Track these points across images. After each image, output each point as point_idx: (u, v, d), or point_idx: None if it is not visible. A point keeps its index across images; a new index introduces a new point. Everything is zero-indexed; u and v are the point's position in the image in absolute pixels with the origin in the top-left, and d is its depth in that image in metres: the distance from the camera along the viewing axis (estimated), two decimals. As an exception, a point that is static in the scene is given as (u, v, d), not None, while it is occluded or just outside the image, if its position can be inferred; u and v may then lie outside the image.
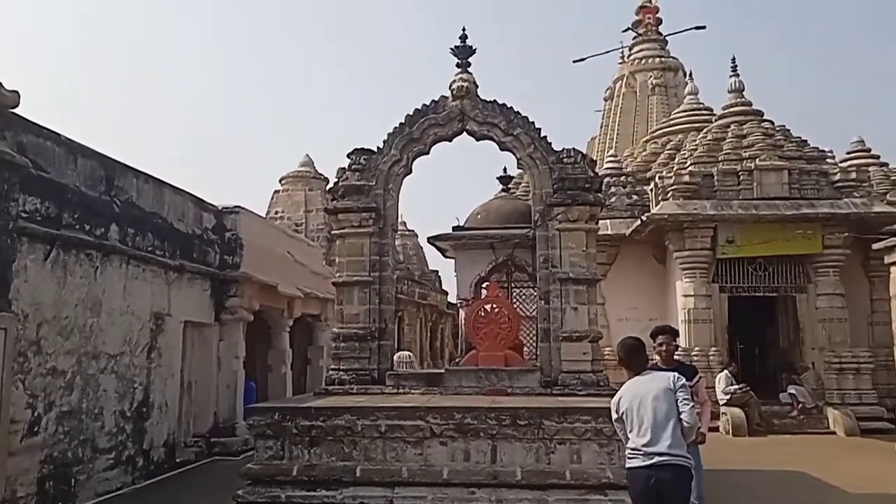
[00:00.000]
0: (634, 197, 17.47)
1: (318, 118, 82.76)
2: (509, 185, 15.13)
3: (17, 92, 6.83)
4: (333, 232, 9.86)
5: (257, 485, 7.13)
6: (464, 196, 70.14)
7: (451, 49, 9.56)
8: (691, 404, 4.50)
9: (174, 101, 74.02)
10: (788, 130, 16.44)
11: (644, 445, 4.25)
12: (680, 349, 12.57)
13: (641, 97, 25.75)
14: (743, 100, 17.14)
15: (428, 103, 9.28)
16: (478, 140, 9.28)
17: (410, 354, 16.01)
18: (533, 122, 8.99)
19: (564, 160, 8.78)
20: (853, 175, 15.33)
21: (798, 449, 11.88)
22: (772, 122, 16.62)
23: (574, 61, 29.82)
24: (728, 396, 13.90)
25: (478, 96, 9.25)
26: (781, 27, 71.47)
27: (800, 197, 14.75)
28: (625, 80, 26.42)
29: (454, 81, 9.28)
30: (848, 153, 18.89)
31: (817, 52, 69.07)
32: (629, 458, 4.38)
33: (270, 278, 12.50)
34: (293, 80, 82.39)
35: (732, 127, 16.50)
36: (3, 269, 6.83)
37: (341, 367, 8.82)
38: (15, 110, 7.02)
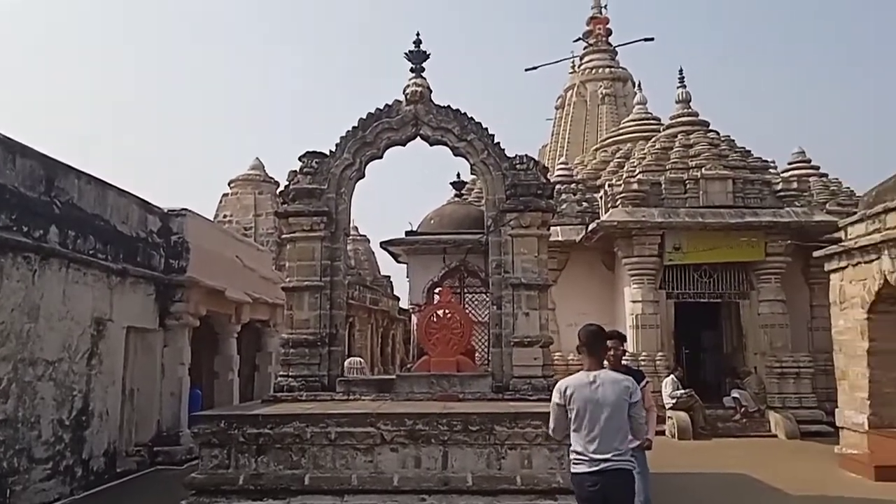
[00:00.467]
0: (584, 204, 17.70)
1: (269, 121, 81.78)
2: (462, 191, 15.18)
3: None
4: (284, 236, 9.72)
5: (202, 495, 6.94)
6: (417, 201, 70.18)
7: (406, 54, 9.54)
8: (643, 421, 4.56)
9: (118, 102, 72.21)
10: (733, 141, 16.89)
11: (592, 452, 4.22)
12: (627, 354, 12.75)
13: (591, 106, 26.17)
14: (689, 110, 17.56)
15: (382, 107, 9.24)
16: (431, 145, 9.27)
17: (361, 360, 15.90)
18: (486, 129, 9.04)
19: (517, 166, 8.84)
20: (794, 185, 15.82)
21: (741, 452, 12.15)
22: (717, 133, 17.06)
23: (526, 70, 30.10)
24: (674, 401, 14.15)
25: (432, 101, 9.25)
26: (726, 41, 73.64)
27: (743, 206, 15.15)
28: (575, 89, 26.82)
29: (408, 86, 9.27)
30: (789, 164, 19.52)
31: (760, 66, 71.39)
32: (575, 462, 4.30)
33: (218, 283, 12.23)
34: (243, 82, 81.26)
35: (679, 137, 16.87)
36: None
37: (290, 374, 8.68)
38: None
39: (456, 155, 9.20)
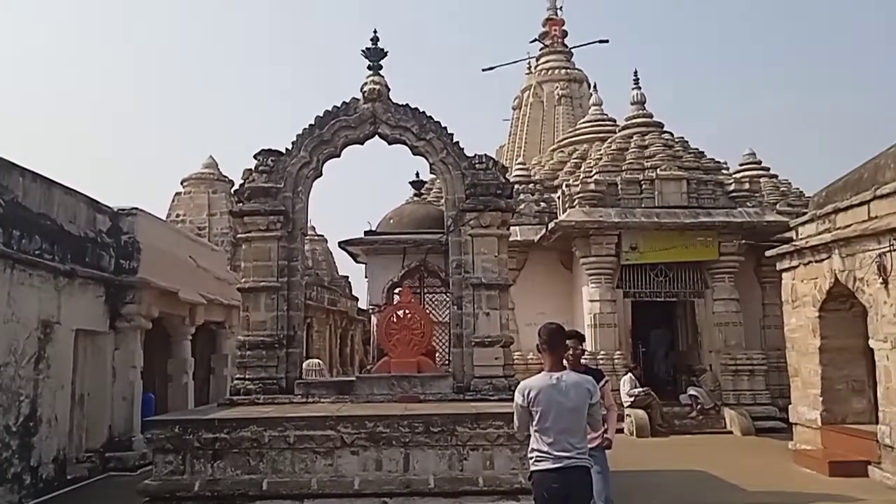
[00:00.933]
0: (542, 204, 17.78)
1: (223, 118, 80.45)
2: (421, 190, 15.11)
3: None
4: (239, 236, 9.52)
5: (156, 502, 6.77)
6: (375, 200, 69.83)
7: (363, 51, 9.44)
8: (600, 417, 4.70)
9: (63, 96, 70.24)
10: (687, 142, 17.16)
11: (556, 450, 4.26)
12: (586, 353, 12.83)
13: (548, 107, 26.35)
14: (644, 112, 17.78)
15: (339, 105, 9.12)
16: (390, 144, 9.19)
17: (320, 362, 15.71)
18: (445, 128, 8.98)
19: (476, 166, 8.81)
20: (746, 186, 16.14)
21: (698, 449, 12.34)
22: (671, 134, 17.31)
23: (483, 70, 30.16)
24: (632, 399, 14.30)
25: (390, 100, 9.17)
26: (679, 43, 75.08)
27: (698, 206, 15.40)
28: (532, 90, 26.97)
29: (366, 84, 9.16)
30: (741, 165, 19.92)
31: (711, 67, 72.93)
32: (536, 460, 4.36)
33: (171, 284, 11.93)
34: (196, 78, 79.78)
35: (635, 138, 17.07)
36: None
37: (247, 377, 8.51)
38: None
39: (415, 154, 9.13)
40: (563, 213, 15.68)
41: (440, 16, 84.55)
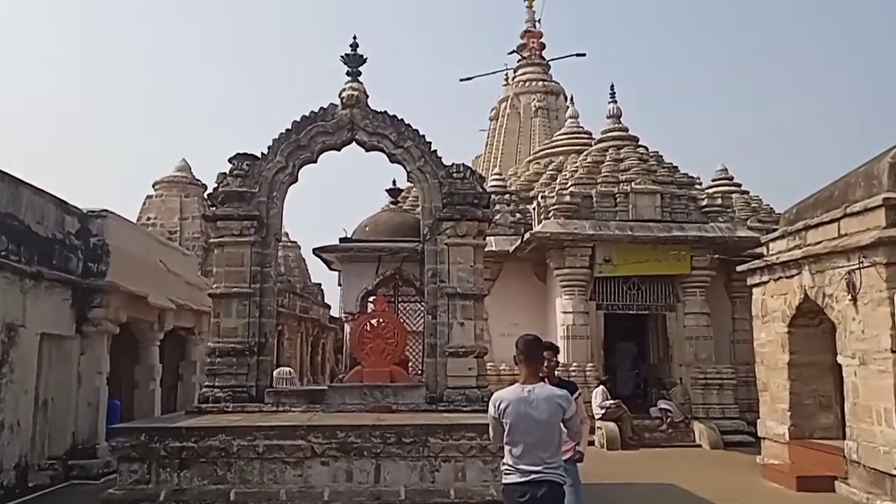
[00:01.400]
0: (518, 215, 17.82)
1: (197, 121, 79.63)
2: (398, 198, 15.06)
3: None
4: (212, 240, 9.40)
5: (119, 512, 6.59)
6: (351, 208, 69.45)
7: (342, 57, 9.40)
8: (577, 429, 4.70)
9: (35, 96, 69.03)
10: (661, 156, 17.34)
11: (524, 464, 4.24)
12: (559, 365, 12.84)
13: (525, 119, 26.49)
14: (620, 125, 17.93)
15: (317, 110, 9.07)
16: (367, 151, 9.15)
17: (291, 370, 15.54)
18: (423, 136, 8.97)
19: (454, 175, 8.80)
20: (719, 201, 16.35)
21: (668, 462, 12.40)
22: (646, 148, 17.48)
23: (461, 80, 30.21)
24: (603, 411, 14.34)
25: (368, 106, 9.14)
26: (655, 58, 76.02)
27: (671, 220, 15.54)
28: (509, 101, 27.10)
29: (344, 90, 9.12)
30: (713, 180, 20.14)
31: (686, 84, 73.94)
32: (506, 473, 4.35)
33: (140, 288, 11.72)
34: (169, 79, 78.92)
35: (610, 151, 17.21)
36: None
37: (216, 384, 8.37)
38: None
39: (392, 161, 9.10)
40: (539, 224, 15.73)
41: (418, 25, 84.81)
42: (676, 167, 17.18)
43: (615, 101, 18.08)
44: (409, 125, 9.04)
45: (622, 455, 13.36)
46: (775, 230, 12.00)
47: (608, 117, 18.12)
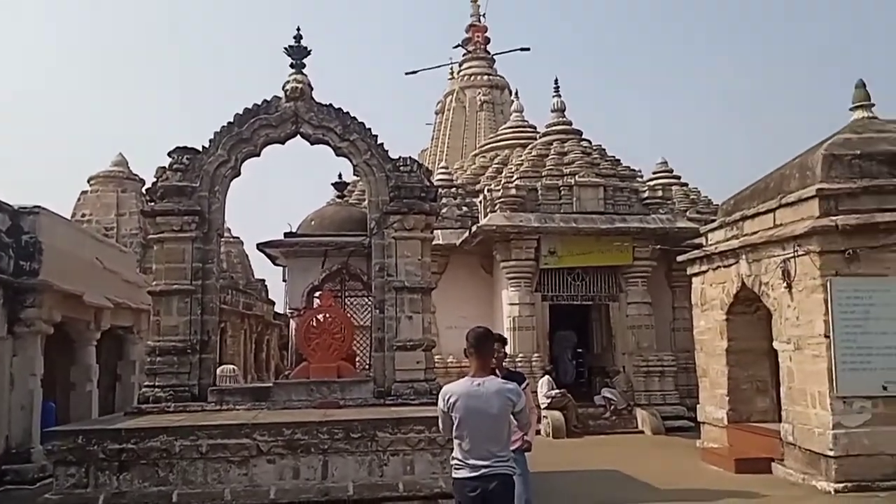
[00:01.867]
0: (464, 208, 17.87)
1: (134, 115, 77.28)
2: (344, 192, 14.92)
3: None
4: (151, 236, 9.15)
5: (56, 518, 6.36)
6: (296, 202, 68.53)
7: (285, 49, 9.24)
8: (527, 421, 4.72)
9: (-39, 88, 65.87)
10: (604, 150, 17.62)
11: (474, 458, 4.22)
12: (507, 356, 12.95)
13: (470, 112, 26.55)
14: (564, 119, 18.14)
15: (260, 103, 8.90)
16: (312, 144, 9.03)
17: (234, 368, 15.27)
18: (370, 129, 8.90)
19: (401, 168, 8.76)
20: (659, 193, 16.71)
21: (612, 448, 12.64)
22: (589, 142, 17.74)
23: (406, 73, 30.11)
24: (549, 400, 14.53)
25: (313, 99, 9.02)
26: (598, 54, 77.18)
27: (613, 212, 15.81)
28: (455, 95, 27.11)
29: (288, 82, 8.98)
30: (653, 173, 20.60)
31: (627, 78, 75.27)
32: (456, 468, 4.32)
33: (75, 286, 11.32)
34: (106, 73, 76.33)
35: (555, 144, 17.40)
36: None
37: (157, 384, 8.17)
38: None
39: (338, 155, 9.00)
40: (485, 217, 15.81)
41: (362, 19, 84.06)
42: (619, 160, 17.49)
43: (559, 96, 18.29)
44: (354, 118, 8.96)
45: (568, 443, 13.57)
46: (714, 221, 12.34)
47: (552, 111, 18.31)
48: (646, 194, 16.41)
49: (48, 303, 10.80)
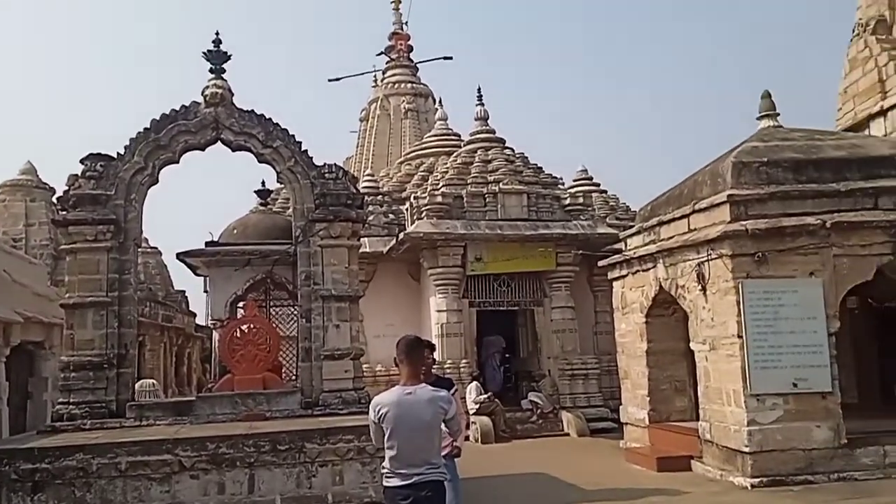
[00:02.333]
0: (391, 216, 17.86)
1: (44, 121, 73.73)
2: (267, 200, 14.65)
3: None
4: (63, 247, 8.77)
5: (-39, 546, 6.01)
6: (217, 210, 66.65)
7: (204, 53, 9.04)
8: (458, 428, 4.72)
9: None
10: (527, 158, 17.96)
11: (406, 466, 4.23)
12: (435, 363, 12.98)
13: (395, 120, 26.57)
14: (487, 127, 18.37)
15: (178, 108, 8.66)
16: (234, 151, 8.86)
17: (154, 383, 14.76)
18: (293, 136, 8.80)
19: (326, 175, 8.70)
20: (580, 200, 17.13)
21: (539, 452, 12.83)
22: (512, 150, 18.03)
23: (329, 80, 29.83)
24: (477, 406, 14.64)
25: (234, 104, 8.86)
26: (519, 64, 78.52)
27: (537, 219, 16.11)
28: (379, 102, 27.08)
29: (207, 87, 8.79)
30: (574, 180, 21.09)
31: (548, 87, 76.87)
32: (387, 476, 4.30)
33: (-20, 301, 10.74)
34: (11, 76, 72.53)
35: (479, 153, 17.61)
36: None
37: (72, 400, 7.83)
38: None
39: (261, 162, 8.86)
40: (412, 224, 15.84)
41: (284, 26, 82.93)
42: (541, 168, 17.85)
43: (482, 104, 18.50)
44: (277, 124, 8.84)
45: (496, 448, 13.69)
46: (632, 227, 12.74)
47: (476, 119, 18.51)
48: (567, 201, 16.79)
49: (-50, 319, 10.21)
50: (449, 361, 15.03)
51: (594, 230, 16.11)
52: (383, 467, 4.36)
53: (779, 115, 11.07)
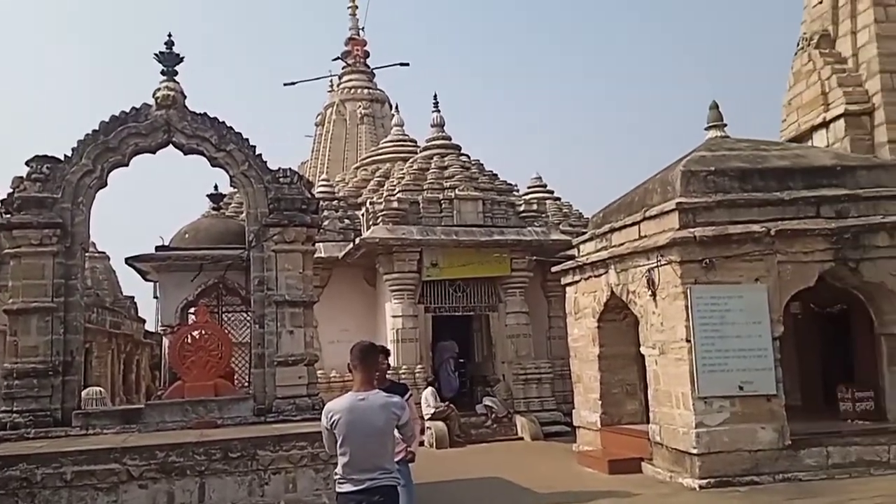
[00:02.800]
0: (347, 221, 17.78)
1: (-16, 121, 71.24)
2: (220, 204, 14.45)
3: None
4: (6, 251, 8.52)
5: None
6: (168, 214, 65.36)
7: (156, 55, 8.91)
8: (411, 434, 4.77)
9: None
10: (482, 164, 18.11)
11: (358, 472, 4.23)
12: (390, 368, 12.96)
13: (351, 125, 26.47)
14: (443, 134, 18.48)
15: (128, 110, 8.51)
16: (186, 154, 8.74)
17: (101, 390, 14.42)
18: (247, 139, 8.72)
19: (280, 180, 8.64)
20: (534, 207, 17.34)
21: (493, 456, 12.92)
22: (468, 156, 18.17)
23: (285, 84, 29.54)
24: (432, 411, 14.66)
25: (186, 107, 8.73)
26: (473, 71, 78.99)
27: (492, 225, 16.25)
28: (335, 107, 26.95)
29: (159, 89, 8.66)
30: (528, 187, 21.32)
31: (502, 95, 77.46)
32: (340, 482, 4.29)
33: (-84, 307, 10.32)
34: (-50, 75, 69.94)
35: (435, 159, 17.69)
36: None
37: (15, 409, 7.63)
38: None
39: (213, 165, 8.76)
40: (367, 230, 15.80)
41: (238, 28, 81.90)
42: (496, 175, 18.01)
43: (438, 111, 18.59)
44: (230, 128, 8.74)
45: (451, 453, 13.73)
46: (585, 233, 12.94)
47: (432, 126, 18.60)
48: (522, 208, 16.98)
49: None
50: (404, 367, 15.03)
51: (548, 236, 16.31)
52: (336, 473, 4.34)
53: (726, 125, 11.40)
